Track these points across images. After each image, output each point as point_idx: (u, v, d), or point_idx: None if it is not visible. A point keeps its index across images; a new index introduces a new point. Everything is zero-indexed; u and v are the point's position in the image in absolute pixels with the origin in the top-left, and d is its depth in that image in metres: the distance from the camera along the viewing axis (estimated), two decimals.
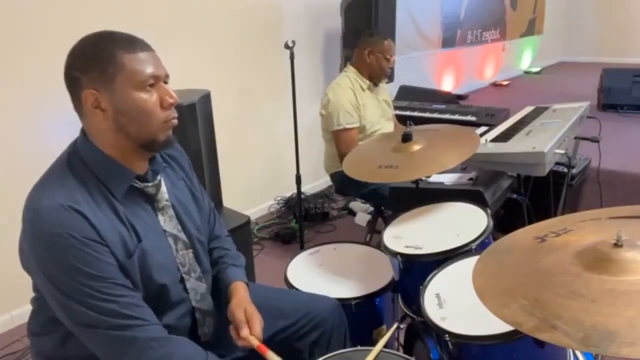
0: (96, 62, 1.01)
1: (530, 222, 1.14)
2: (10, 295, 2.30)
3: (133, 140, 1.06)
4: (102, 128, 1.05)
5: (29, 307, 1.18)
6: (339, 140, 2.53)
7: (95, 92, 1.02)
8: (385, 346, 1.21)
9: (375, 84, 2.69)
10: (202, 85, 2.28)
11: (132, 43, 1.04)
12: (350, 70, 2.67)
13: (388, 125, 2.75)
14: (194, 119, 2.01)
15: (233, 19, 3.17)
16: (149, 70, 1.03)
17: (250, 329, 1.17)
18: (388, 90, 2.89)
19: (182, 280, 1.19)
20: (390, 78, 3.66)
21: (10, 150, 2.30)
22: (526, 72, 7.49)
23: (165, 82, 1.09)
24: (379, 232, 1.71)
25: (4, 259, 1.90)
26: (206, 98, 2.18)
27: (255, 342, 1.14)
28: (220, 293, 1.29)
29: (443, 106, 3.67)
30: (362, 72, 2.65)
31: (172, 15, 2.83)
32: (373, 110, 2.65)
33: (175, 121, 1.10)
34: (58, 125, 2.34)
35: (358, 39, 2.73)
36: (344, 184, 2.68)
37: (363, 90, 2.63)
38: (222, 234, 1.42)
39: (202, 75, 2.92)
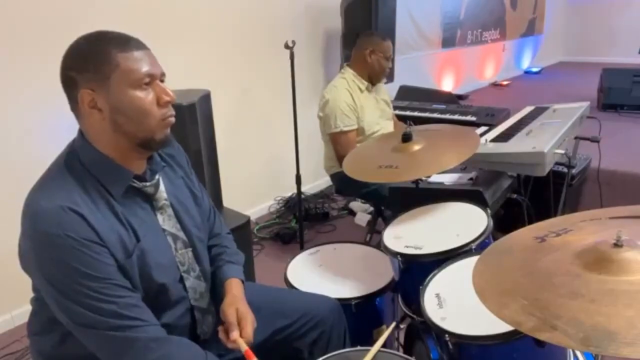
0: (91, 62, 1.01)
1: (530, 222, 1.14)
2: (10, 295, 2.30)
3: (130, 139, 1.06)
4: (100, 128, 1.05)
5: (28, 307, 1.18)
6: (337, 143, 2.53)
7: (91, 92, 1.02)
8: (385, 346, 1.21)
9: (374, 84, 2.68)
10: (202, 85, 2.28)
11: (127, 42, 1.04)
12: (348, 72, 2.66)
13: (388, 125, 2.75)
14: (194, 119, 2.01)
15: (233, 19, 3.17)
16: (145, 68, 1.03)
17: (241, 330, 1.15)
18: (387, 90, 2.88)
19: (181, 279, 1.18)
20: (390, 78, 3.67)
21: (9, 151, 2.30)
22: (526, 72, 7.49)
23: (162, 81, 1.08)
24: (379, 232, 1.71)
25: (3, 259, 1.90)
26: (206, 98, 2.18)
27: (243, 347, 1.12)
28: (217, 291, 1.29)
29: (443, 106, 3.67)
30: (360, 73, 2.63)
31: (173, 15, 2.83)
32: (372, 111, 2.65)
33: (173, 119, 1.10)
34: (56, 127, 2.34)
35: (356, 39, 2.73)
36: (344, 184, 2.68)
37: (361, 91, 2.62)
38: (223, 232, 1.41)
39: (202, 75, 2.92)
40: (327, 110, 2.53)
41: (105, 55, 1.01)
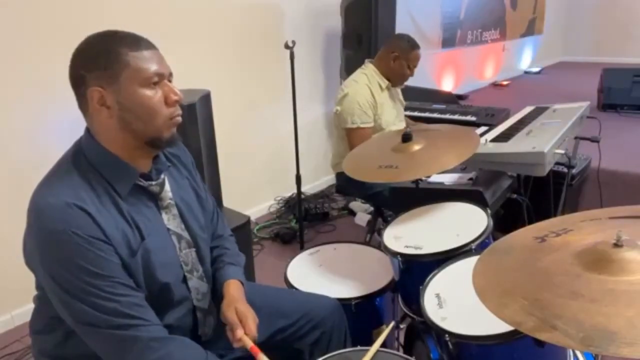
0: (101, 60, 1.02)
1: (530, 222, 1.14)
2: (11, 295, 2.30)
3: (138, 138, 1.06)
4: (108, 126, 1.05)
5: (29, 307, 1.18)
6: (353, 139, 2.49)
7: (100, 90, 1.02)
8: (385, 346, 1.21)
9: (393, 86, 2.65)
10: (202, 85, 2.28)
11: (137, 41, 1.05)
12: (369, 68, 2.61)
13: (402, 127, 2.73)
14: (194, 119, 2.01)
15: (233, 19, 3.17)
16: (154, 67, 1.04)
17: (244, 328, 1.16)
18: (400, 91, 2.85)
19: (184, 279, 1.19)
20: None
21: (11, 150, 2.30)
22: (526, 72, 7.48)
23: (170, 81, 1.10)
24: (379, 232, 1.71)
25: (4, 259, 1.90)
26: (206, 98, 2.18)
27: (248, 344, 1.13)
28: (218, 292, 1.29)
29: (443, 106, 3.66)
30: (382, 72, 2.59)
31: (173, 15, 2.83)
32: (389, 111, 2.62)
33: (180, 119, 1.11)
34: (59, 125, 2.34)
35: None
36: (349, 184, 2.66)
37: (382, 89, 2.58)
38: (225, 234, 1.42)
39: (202, 75, 2.92)
40: (345, 105, 2.50)
41: (116, 54, 1.02)
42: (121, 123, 1.04)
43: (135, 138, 1.06)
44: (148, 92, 1.04)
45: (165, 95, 1.07)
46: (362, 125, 2.47)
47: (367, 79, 2.56)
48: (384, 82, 2.59)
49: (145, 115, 1.05)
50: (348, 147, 2.53)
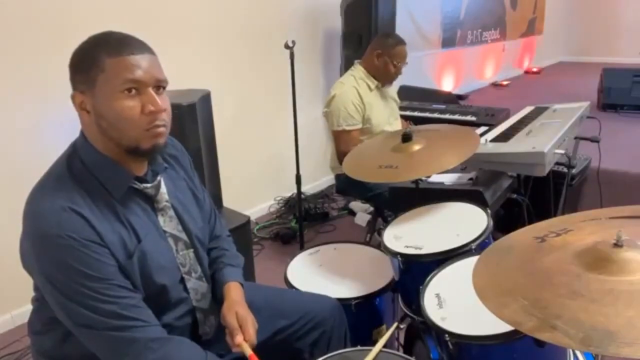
0: (83, 64, 1.01)
1: (530, 222, 1.14)
2: (11, 295, 2.30)
3: (117, 145, 1.04)
4: (93, 129, 1.05)
5: (29, 307, 1.18)
6: (338, 140, 2.51)
7: (80, 94, 1.02)
8: (385, 346, 1.21)
9: (382, 85, 2.65)
10: (202, 85, 2.28)
11: (121, 46, 1.01)
12: (358, 69, 2.62)
13: (397, 125, 2.73)
14: (194, 119, 2.01)
15: (233, 19, 3.17)
16: (133, 74, 0.99)
17: (243, 333, 1.15)
18: (394, 89, 2.85)
19: (182, 281, 1.18)
20: None
21: (10, 150, 2.30)
22: (526, 72, 7.49)
23: (163, 88, 1.06)
24: (379, 232, 1.71)
25: (4, 259, 1.90)
26: (206, 98, 2.18)
27: (248, 351, 1.13)
28: (218, 293, 1.29)
29: (443, 106, 3.66)
30: (370, 72, 2.60)
31: (173, 15, 2.83)
32: (380, 110, 2.62)
33: (162, 129, 1.05)
34: (58, 125, 2.34)
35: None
36: (349, 186, 2.66)
37: (370, 89, 2.58)
38: (223, 234, 1.41)
39: (202, 75, 2.92)
40: (332, 107, 2.51)
41: (94, 59, 1.00)
42: (99, 129, 1.03)
43: (115, 144, 1.04)
44: (125, 101, 1.00)
45: (142, 105, 1.01)
46: (347, 128, 2.47)
47: (354, 81, 2.56)
48: (373, 83, 2.59)
49: (119, 124, 1.01)
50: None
